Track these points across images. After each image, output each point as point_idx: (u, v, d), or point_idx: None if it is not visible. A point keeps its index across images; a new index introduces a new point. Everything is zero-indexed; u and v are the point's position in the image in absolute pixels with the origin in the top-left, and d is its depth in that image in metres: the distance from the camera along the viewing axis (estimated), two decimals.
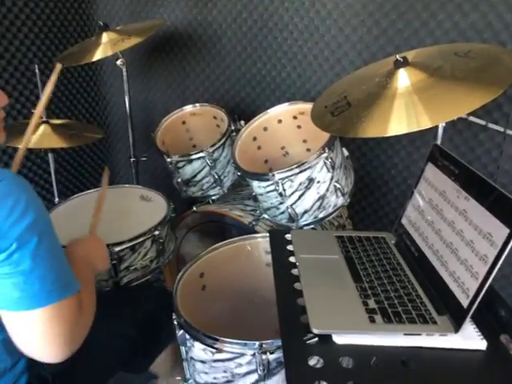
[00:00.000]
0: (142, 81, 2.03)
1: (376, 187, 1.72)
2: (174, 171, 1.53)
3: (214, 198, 1.58)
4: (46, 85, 1.10)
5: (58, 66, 1.12)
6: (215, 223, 1.61)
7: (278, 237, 0.99)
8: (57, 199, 1.61)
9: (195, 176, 1.52)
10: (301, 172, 1.22)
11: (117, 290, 1.21)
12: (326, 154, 1.21)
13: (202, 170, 1.50)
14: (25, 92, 1.78)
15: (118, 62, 1.55)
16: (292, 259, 0.90)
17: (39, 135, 1.41)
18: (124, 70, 1.58)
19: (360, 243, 0.93)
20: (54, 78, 1.09)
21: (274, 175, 1.23)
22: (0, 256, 0.65)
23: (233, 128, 1.52)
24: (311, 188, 1.26)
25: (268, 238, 1.06)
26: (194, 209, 1.54)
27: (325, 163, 1.23)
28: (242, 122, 1.58)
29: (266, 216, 1.43)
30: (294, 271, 0.86)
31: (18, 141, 1.35)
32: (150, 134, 1.61)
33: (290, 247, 0.95)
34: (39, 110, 1.10)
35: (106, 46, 1.44)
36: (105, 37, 1.48)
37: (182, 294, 1.07)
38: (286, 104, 1.43)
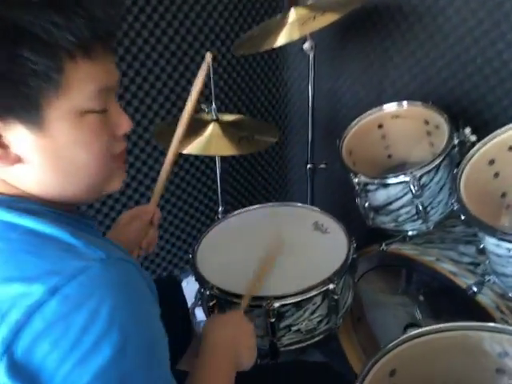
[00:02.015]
0: (329, 67, 1.67)
1: None
2: (361, 193, 1.15)
3: (411, 233, 1.15)
4: (195, 79, 0.87)
5: (209, 56, 0.88)
6: (413, 271, 1.19)
7: None
8: (220, 208, 1.41)
9: (390, 204, 1.11)
10: None
11: (275, 357, 0.93)
12: None
13: (401, 197, 1.08)
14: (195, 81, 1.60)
15: (305, 46, 1.22)
16: None
17: (207, 136, 1.19)
18: (311, 55, 1.25)
19: None
20: (203, 70, 0.86)
21: None
22: None
23: (455, 142, 1.05)
24: None
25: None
26: (384, 247, 1.14)
27: None
28: (468, 131, 1.09)
29: (495, 280, 0.95)
30: None
31: (189, 141, 1.16)
32: (334, 137, 1.26)
33: None
34: (188, 111, 0.86)
35: (292, 27, 1.11)
36: (292, 14, 1.15)
37: None
38: None
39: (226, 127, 1.22)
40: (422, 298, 1.30)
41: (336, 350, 1.38)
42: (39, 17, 0.43)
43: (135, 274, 0.48)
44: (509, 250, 0.82)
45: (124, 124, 0.55)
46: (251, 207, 1.19)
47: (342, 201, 1.64)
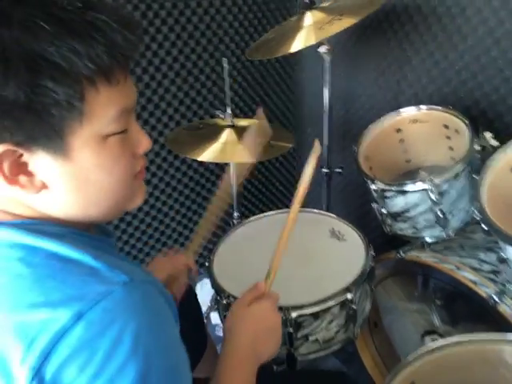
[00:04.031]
0: (344, 69, 1.64)
1: None
2: (379, 199, 1.13)
3: (429, 240, 1.13)
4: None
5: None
6: (430, 278, 1.17)
7: None
8: (236, 213, 1.40)
9: (408, 211, 1.09)
10: None
11: (292, 367, 0.92)
12: None
13: (419, 204, 1.06)
14: (214, 89, 1.60)
15: (322, 50, 1.21)
16: None
17: (222, 143, 1.18)
18: (328, 59, 1.23)
19: None
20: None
21: None
22: None
23: (477, 147, 1.02)
24: None
25: None
26: (402, 254, 1.13)
27: None
28: (489, 136, 1.07)
29: None
30: None
31: (204, 147, 1.16)
32: (348, 141, 1.25)
33: None
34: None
35: (308, 31, 1.10)
36: (308, 18, 1.14)
37: None
38: None
39: (241, 133, 1.21)
40: (439, 302, 1.28)
41: (352, 354, 1.37)
42: (59, 45, 0.42)
43: (158, 297, 0.48)
44: None
45: (143, 142, 0.55)
46: (267, 213, 1.18)
47: (357, 204, 1.62)
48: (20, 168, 0.47)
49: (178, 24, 1.48)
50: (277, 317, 0.73)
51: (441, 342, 0.78)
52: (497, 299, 0.94)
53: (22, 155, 0.46)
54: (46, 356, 0.40)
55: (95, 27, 0.44)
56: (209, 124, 1.30)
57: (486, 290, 0.96)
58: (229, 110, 1.21)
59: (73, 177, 0.49)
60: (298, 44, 1.09)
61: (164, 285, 0.80)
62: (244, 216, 1.34)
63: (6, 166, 0.46)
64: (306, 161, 0.81)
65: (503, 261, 0.93)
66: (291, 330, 0.89)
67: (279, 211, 1.22)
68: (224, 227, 1.77)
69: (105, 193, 0.52)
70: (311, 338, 0.93)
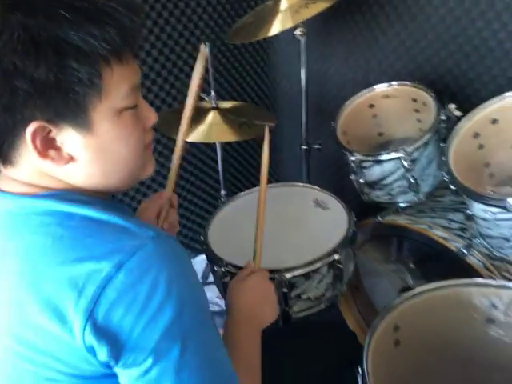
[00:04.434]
0: (317, 51, 1.72)
1: None
2: (357, 170, 1.23)
3: (403, 205, 1.24)
4: (193, 71, 0.90)
5: (203, 49, 0.90)
6: (404, 239, 1.28)
7: None
8: (223, 191, 1.47)
9: (384, 179, 1.19)
10: None
11: (287, 323, 1.01)
12: None
13: (394, 172, 1.16)
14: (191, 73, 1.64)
15: (297, 32, 1.27)
16: None
17: (208, 124, 1.25)
18: (303, 40, 1.30)
19: None
20: (200, 63, 0.89)
21: None
22: (133, 371, 0.48)
23: (442, 118, 1.13)
24: None
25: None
26: (379, 219, 1.23)
27: None
28: (453, 107, 1.18)
29: (482, 242, 1.05)
30: None
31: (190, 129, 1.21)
32: (324, 118, 1.33)
33: None
34: (190, 104, 0.91)
35: (285, 15, 1.17)
36: (284, 2, 1.20)
37: (374, 351, 0.81)
38: None
39: (225, 114, 1.27)
40: (412, 265, 1.40)
41: (337, 318, 1.48)
42: (80, 31, 0.48)
43: (180, 248, 0.55)
44: (494, 213, 0.91)
45: (151, 116, 0.62)
46: (254, 189, 1.26)
47: (335, 178, 1.72)
48: (49, 143, 0.52)
49: (154, 11, 1.51)
50: (270, 284, 0.84)
51: (421, 287, 0.88)
52: (465, 252, 1.05)
53: (50, 131, 0.52)
54: (96, 299, 0.47)
55: (106, 13, 0.50)
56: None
57: (456, 244, 1.08)
58: (213, 93, 1.26)
59: (95, 148, 0.54)
60: (276, 27, 1.16)
61: (156, 222, 0.88)
62: (230, 194, 1.41)
63: (38, 141, 0.51)
64: (262, 146, 0.91)
65: (470, 218, 1.05)
66: (286, 290, 0.98)
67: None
68: (215, 204, 1.84)
69: (122, 162, 0.58)
70: (303, 297, 1.02)
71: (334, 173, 1.78)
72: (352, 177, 1.29)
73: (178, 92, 1.63)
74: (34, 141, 0.51)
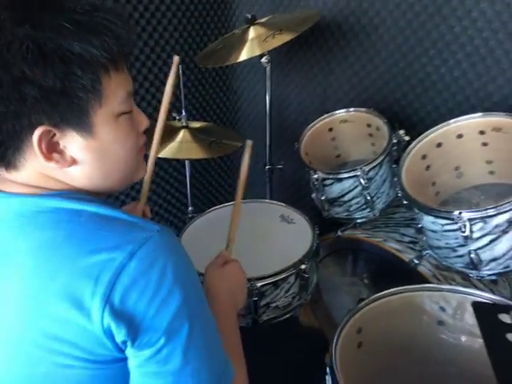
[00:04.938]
0: (278, 77, 1.84)
1: None
2: (319, 187, 1.32)
3: (360, 220, 1.35)
4: (166, 82, 0.95)
5: (176, 59, 0.96)
6: (361, 252, 1.38)
7: (488, 315, 0.73)
8: (190, 208, 1.51)
9: (343, 196, 1.29)
10: (500, 214, 0.93)
11: (256, 326, 1.06)
12: None
13: (352, 189, 1.27)
14: (162, 88, 1.69)
15: (263, 60, 1.37)
16: None
17: (178, 142, 1.30)
18: (268, 68, 1.40)
19: None
20: (173, 74, 0.95)
21: (460, 215, 0.95)
22: (146, 352, 0.52)
23: (394, 141, 1.25)
24: (510, 232, 0.96)
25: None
26: (339, 234, 1.33)
27: None
28: (402, 132, 1.31)
29: (431, 253, 1.16)
30: None
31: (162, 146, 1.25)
32: (284, 140, 1.42)
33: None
34: (162, 115, 0.96)
35: (253, 44, 1.26)
36: (252, 32, 1.30)
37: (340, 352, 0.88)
38: (479, 115, 1.12)
39: (194, 133, 1.33)
40: (366, 281, 1.50)
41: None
42: (82, 41, 0.53)
43: (179, 241, 0.60)
44: (442, 225, 1.02)
45: (144, 121, 0.67)
46: (223, 205, 1.31)
47: (296, 197, 1.81)
48: (53, 146, 0.56)
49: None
50: (244, 273, 0.90)
51: (381, 293, 0.97)
52: (417, 261, 1.16)
53: (54, 135, 0.55)
54: (112, 285, 0.50)
55: (104, 25, 0.55)
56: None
57: (408, 255, 1.19)
58: (184, 113, 1.32)
59: (96, 151, 0.58)
60: (245, 54, 1.25)
61: None
62: (198, 209, 1.45)
63: (43, 145, 0.54)
64: (242, 158, 0.97)
65: (420, 231, 1.16)
66: (256, 298, 1.03)
67: (231, 203, 1.35)
68: (184, 220, 1.86)
69: (119, 164, 0.62)
70: (272, 305, 1.07)
71: (295, 192, 1.88)
72: (313, 195, 1.39)
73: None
74: (39, 145, 0.54)
